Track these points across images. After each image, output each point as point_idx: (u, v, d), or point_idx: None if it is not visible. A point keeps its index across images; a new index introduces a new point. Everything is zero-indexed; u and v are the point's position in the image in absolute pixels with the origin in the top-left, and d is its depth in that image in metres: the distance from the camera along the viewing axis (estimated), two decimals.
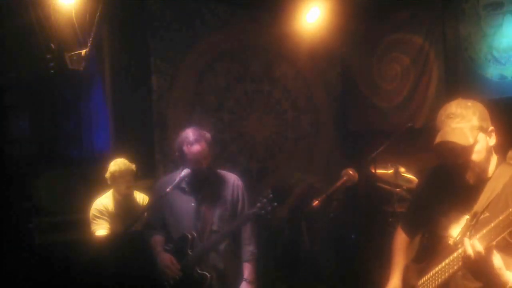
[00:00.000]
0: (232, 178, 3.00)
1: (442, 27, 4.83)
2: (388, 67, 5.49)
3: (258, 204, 2.71)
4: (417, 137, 3.49)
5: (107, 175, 3.65)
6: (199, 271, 2.80)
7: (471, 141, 1.78)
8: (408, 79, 5.26)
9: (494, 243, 1.59)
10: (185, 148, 2.79)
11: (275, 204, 2.67)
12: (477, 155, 1.81)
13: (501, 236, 1.59)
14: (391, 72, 5.47)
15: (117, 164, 3.65)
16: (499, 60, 4.34)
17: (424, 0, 4.96)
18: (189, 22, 5.01)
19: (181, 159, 2.86)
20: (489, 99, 4.26)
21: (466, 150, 1.80)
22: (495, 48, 4.35)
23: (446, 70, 4.85)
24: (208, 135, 2.86)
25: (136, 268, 2.85)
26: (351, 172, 2.57)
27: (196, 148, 2.76)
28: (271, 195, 2.68)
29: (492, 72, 4.40)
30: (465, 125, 1.79)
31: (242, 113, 5.43)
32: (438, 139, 1.82)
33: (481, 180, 1.85)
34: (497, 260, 1.62)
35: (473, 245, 1.61)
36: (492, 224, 1.60)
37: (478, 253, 1.60)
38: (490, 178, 1.85)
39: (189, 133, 2.82)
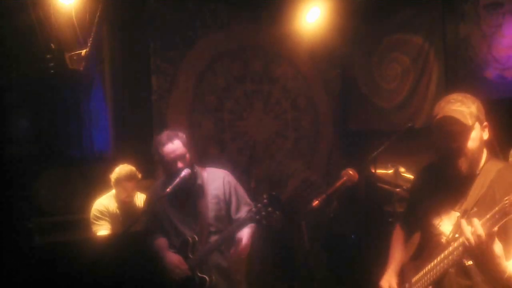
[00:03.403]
0: (222, 175, 2.97)
1: (442, 27, 4.82)
2: (388, 67, 5.49)
3: (253, 209, 2.68)
4: (417, 137, 3.49)
5: (112, 176, 3.65)
6: (199, 274, 2.80)
7: (470, 122, 1.83)
8: (408, 79, 5.25)
9: (496, 228, 1.59)
10: (160, 151, 2.78)
11: (270, 209, 2.65)
12: (472, 143, 1.85)
13: (498, 225, 1.59)
14: (391, 72, 5.46)
15: (122, 171, 3.64)
16: (499, 60, 4.33)
17: (424, 0, 4.96)
18: (189, 22, 5.01)
19: (161, 164, 2.86)
20: (489, 99, 4.25)
21: (464, 133, 1.84)
22: (495, 48, 4.35)
23: (446, 70, 4.84)
24: (182, 134, 2.84)
25: (136, 268, 2.85)
26: (351, 172, 2.57)
27: (169, 146, 2.76)
28: (265, 201, 2.66)
29: (492, 72, 4.40)
30: (465, 109, 1.85)
31: (242, 113, 5.42)
32: (438, 116, 1.86)
33: (472, 173, 1.88)
34: (498, 248, 1.63)
35: (475, 227, 1.60)
36: (488, 216, 1.61)
37: (478, 237, 1.59)
38: (479, 173, 1.88)
39: (163, 135, 2.82)
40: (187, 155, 2.81)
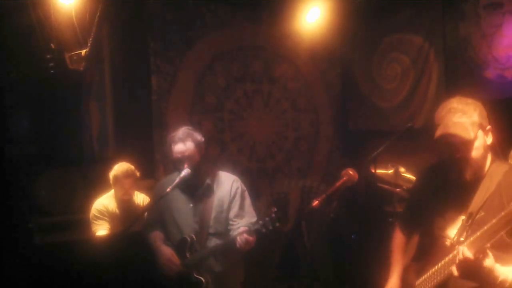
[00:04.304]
0: (231, 180, 2.96)
1: (442, 27, 4.82)
2: (388, 67, 5.49)
3: (260, 222, 2.64)
4: (417, 137, 3.49)
5: (110, 174, 3.66)
6: (195, 276, 2.79)
7: (472, 135, 1.79)
8: (408, 79, 5.25)
9: (487, 245, 1.61)
10: (171, 146, 2.80)
11: (278, 224, 2.61)
12: (476, 152, 1.82)
13: (493, 240, 1.60)
14: (391, 72, 5.46)
15: (120, 168, 3.64)
16: (499, 60, 4.33)
17: (424, 0, 4.96)
18: (189, 22, 5.01)
19: (169, 157, 2.87)
20: (489, 100, 4.25)
21: (467, 145, 1.81)
22: (495, 48, 4.35)
23: (446, 70, 4.84)
24: (197, 136, 2.83)
25: (135, 268, 2.85)
26: (351, 172, 2.56)
27: (180, 146, 2.76)
28: (273, 215, 2.62)
29: (492, 72, 4.40)
30: (467, 120, 1.81)
31: (242, 113, 5.42)
32: (439, 131, 1.83)
33: (477, 178, 1.86)
34: (488, 260, 1.63)
35: (463, 253, 1.63)
36: (485, 227, 1.61)
37: (466, 259, 1.62)
38: (484, 176, 1.86)
39: (178, 131, 2.81)
40: (197, 156, 2.80)
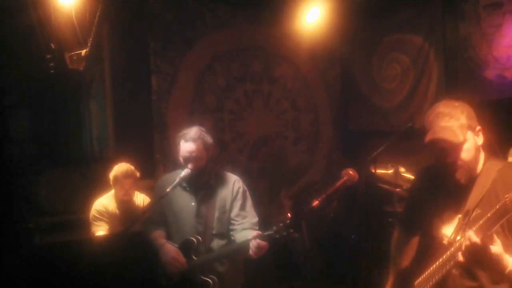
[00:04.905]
0: (233, 180, 2.95)
1: (442, 27, 4.83)
2: (388, 67, 5.49)
3: (274, 228, 2.63)
4: (417, 137, 3.49)
5: (110, 175, 3.66)
6: (202, 277, 2.78)
7: (461, 138, 1.81)
8: (408, 79, 5.26)
9: (492, 231, 1.61)
10: (180, 143, 2.79)
11: (292, 230, 2.60)
12: (466, 154, 1.84)
13: (497, 225, 1.61)
14: (391, 72, 5.47)
15: (120, 169, 3.64)
16: (499, 60, 4.33)
17: (424, 0, 4.96)
18: (189, 22, 5.01)
19: (177, 154, 2.86)
20: (489, 99, 4.26)
21: (456, 148, 1.83)
22: (495, 48, 4.35)
23: (446, 70, 4.84)
24: (209, 138, 2.83)
25: (135, 268, 2.85)
26: (351, 172, 2.57)
27: (190, 146, 2.75)
28: (289, 221, 2.61)
29: (492, 72, 4.40)
30: (454, 124, 1.83)
31: (242, 113, 5.43)
32: (429, 137, 1.86)
33: (471, 178, 1.87)
34: (495, 246, 1.64)
35: (470, 237, 1.63)
36: (489, 214, 1.62)
37: (474, 244, 1.62)
38: (479, 175, 1.88)
39: (191, 130, 2.80)
40: (204, 158, 2.79)
